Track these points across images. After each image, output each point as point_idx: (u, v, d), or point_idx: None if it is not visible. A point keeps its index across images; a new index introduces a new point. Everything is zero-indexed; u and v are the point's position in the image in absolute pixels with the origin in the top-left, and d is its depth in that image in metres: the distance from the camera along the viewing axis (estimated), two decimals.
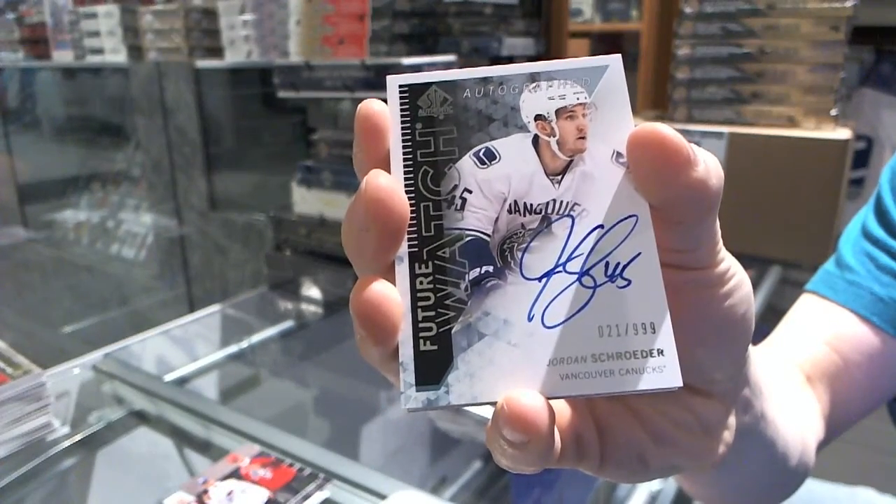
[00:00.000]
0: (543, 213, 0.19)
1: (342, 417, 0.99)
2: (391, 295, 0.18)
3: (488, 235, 0.19)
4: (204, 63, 1.63)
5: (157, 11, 1.71)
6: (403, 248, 0.19)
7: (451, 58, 1.16)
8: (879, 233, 0.44)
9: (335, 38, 1.18)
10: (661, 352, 0.18)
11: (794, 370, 0.42)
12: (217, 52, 1.59)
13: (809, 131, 1.06)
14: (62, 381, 0.84)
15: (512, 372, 0.18)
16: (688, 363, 0.23)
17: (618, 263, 0.18)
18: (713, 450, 0.25)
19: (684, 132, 1.10)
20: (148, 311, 2.03)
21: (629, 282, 0.18)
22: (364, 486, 0.63)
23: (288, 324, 1.15)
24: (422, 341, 0.18)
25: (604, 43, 2.31)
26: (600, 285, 0.18)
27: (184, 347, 1.06)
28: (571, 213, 0.19)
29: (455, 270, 0.19)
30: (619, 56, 0.20)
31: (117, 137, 2.14)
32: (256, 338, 1.10)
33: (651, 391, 0.18)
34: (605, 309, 0.18)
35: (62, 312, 2.31)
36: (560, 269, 0.19)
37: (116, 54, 1.82)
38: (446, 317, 0.18)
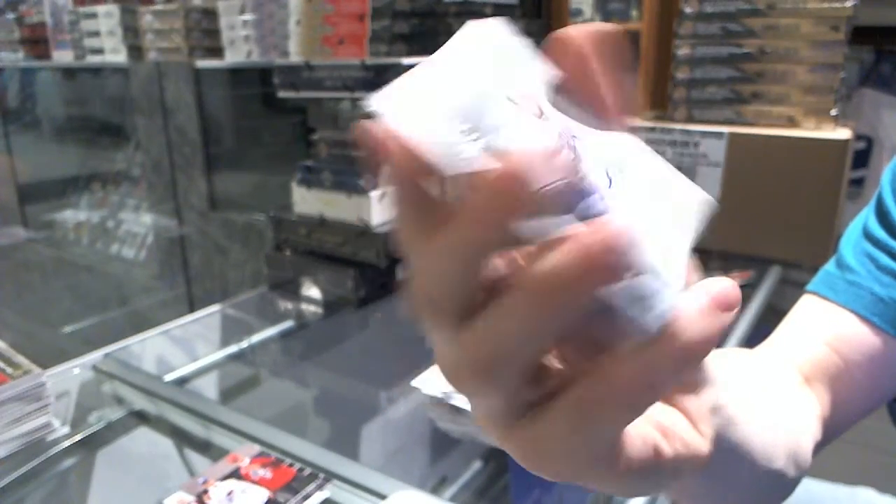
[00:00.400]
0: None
1: (342, 417, 0.99)
2: None
3: None
4: (204, 63, 1.63)
5: (157, 11, 1.71)
6: None
7: None
8: (880, 233, 0.44)
9: (335, 38, 1.18)
10: None
11: (792, 371, 0.42)
12: (217, 52, 1.59)
13: (809, 131, 1.06)
14: (62, 381, 0.84)
15: None
16: None
17: None
18: (703, 446, 0.24)
19: (684, 132, 1.10)
20: (148, 311, 2.03)
21: None
22: (364, 486, 0.63)
23: (288, 324, 1.15)
24: None
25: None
26: None
27: (184, 347, 1.06)
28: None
29: None
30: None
31: (117, 137, 2.14)
32: (256, 338, 1.10)
33: None
34: None
35: (62, 312, 2.31)
36: None
37: (116, 54, 1.82)
38: None
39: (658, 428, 0.23)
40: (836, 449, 0.46)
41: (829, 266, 0.46)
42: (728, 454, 0.29)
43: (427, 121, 0.17)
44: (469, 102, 0.17)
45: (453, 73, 0.18)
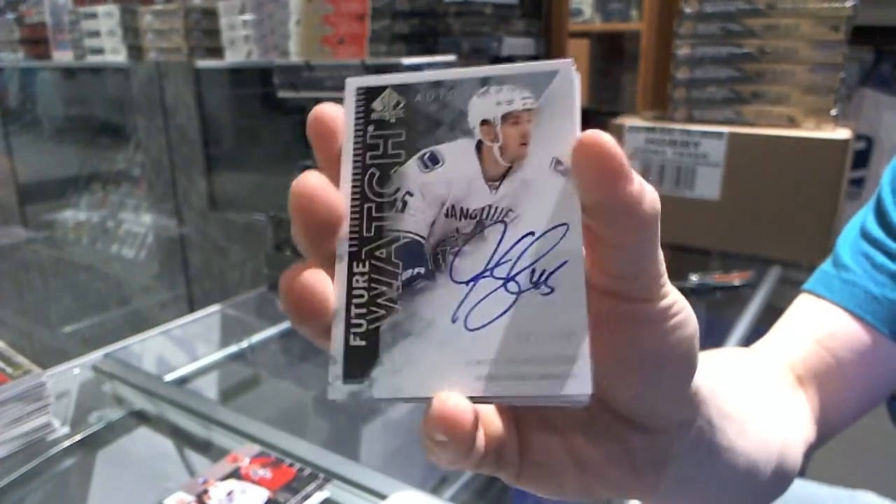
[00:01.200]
0: (478, 218, 0.19)
1: (342, 417, 0.99)
2: (317, 285, 0.19)
3: (424, 238, 0.19)
4: (204, 63, 1.63)
5: (157, 11, 1.71)
6: (344, 248, 0.20)
7: (451, 58, 1.16)
8: (878, 233, 0.44)
9: (335, 38, 1.18)
10: (573, 360, 0.18)
11: (785, 372, 0.42)
12: (217, 52, 1.59)
13: (809, 131, 1.06)
14: (62, 381, 0.84)
15: (432, 370, 0.19)
16: (624, 396, 0.22)
17: (544, 271, 0.19)
18: (639, 483, 0.24)
19: (684, 132, 1.10)
20: (148, 311, 2.03)
21: (552, 289, 0.19)
22: (364, 486, 0.62)
23: (288, 324, 1.15)
24: (352, 336, 0.19)
25: (604, 43, 2.30)
26: (524, 291, 0.19)
27: (184, 347, 1.06)
28: (505, 219, 0.19)
29: (389, 271, 0.19)
30: (570, 61, 0.20)
31: (117, 137, 2.14)
32: (256, 338, 1.10)
33: (561, 398, 0.18)
34: (525, 315, 0.19)
35: (62, 312, 2.31)
36: (488, 274, 0.19)
37: (116, 54, 1.82)
38: (377, 314, 0.19)
39: (576, 460, 0.23)
40: (837, 452, 0.46)
41: (826, 266, 0.46)
42: (714, 459, 0.28)
43: None
44: None
45: None
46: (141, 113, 1.82)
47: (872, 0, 1.15)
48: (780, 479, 0.35)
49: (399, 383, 0.19)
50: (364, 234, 0.20)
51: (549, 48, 1.51)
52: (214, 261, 1.76)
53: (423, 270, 0.19)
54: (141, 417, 0.82)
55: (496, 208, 0.19)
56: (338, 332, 0.19)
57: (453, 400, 0.18)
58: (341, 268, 0.20)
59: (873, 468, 0.90)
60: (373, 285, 0.19)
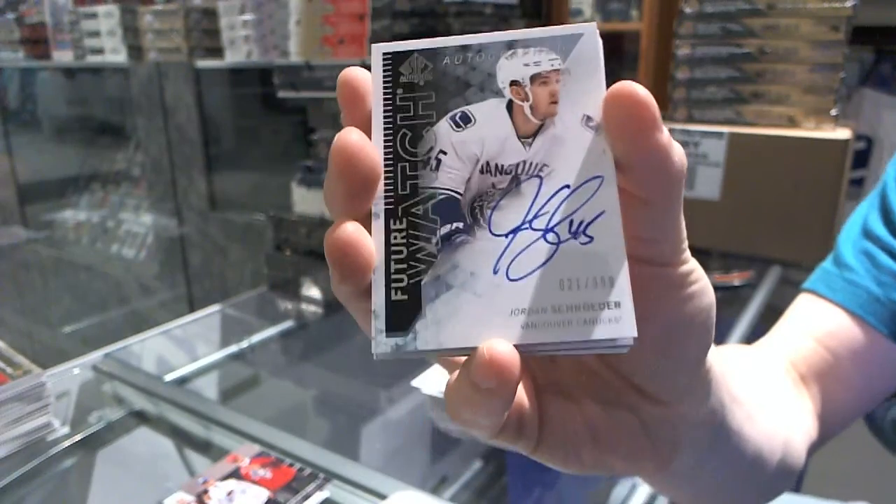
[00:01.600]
0: (514, 173, 0.20)
1: (342, 417, 0.99)
2: (361, 236, 0.19)
3: (460, 194, 0.20)
4: (204, 63, 1.63)
5: (157, 11, 1.71)
6: (380, 206, 0.20)
7: None
8: (881, 231, 0.44)
9: (335, 38, 1.18)
10: (617, 304, 0.19)
11: (788, 369, 0.42)
12: (217, 52, 1.59)
13: (809, 131, 1.06)
14: (62, 381, 0.84)
15: (476, 320, 0.19)
16: (641, 364, 0.22)
17: (581, 221, 0.19)
18: (653, 459, 0.25)
19: (684, 132, 1.10)
20: (148, 311, 2.03)
21: (591, 238, 0.19)
22: (364, 486, 0.63)
23: (288, 324, 1.15)
24: (394, 291, 0.19)
25: (604, 43, 2.30)
26: (564, 241, 0.19)
27: (184, 347, 1.06)
28: (540, 173, 0.20)
29: (427, 226, 0.20)
30: (594, 24, 0.21)
31: (117, 137, 2.14)
32: (256, 338, 1.10)
33: (606, 342, 0.18)
34: (566, 263, 0.19)
35: (62, 312, 2.31)
36: (526, 226, 0.19)
37: (116, 54, 1.82)
38: (417, 269, 0.19)
39: (592, 432, 0.23)
40: (835, 461, 0.45)
41: (827, 264, 0.46)
42: (723, 442, 0.29)
43: None
44: None
45: None
46: (141, 113, 1.82)
47: (872, 0, 1.15)
48: (784, 472, 0.35)
49: (443, 334, 0.19)
50: (399, 191, 0.20)
51: None
52: (214, 261, 1.77)
53: (461, 225, 0.20)
54: (141, 417, 0.82)
55: (531, 163, 0.20)
56: (378, 287, 0.19)
57: (501, 346, 0.18)
58: (378, 225, 0.20)
59: (867, 479, 0.90)
60: (411, 241, 0.20)
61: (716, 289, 0.22)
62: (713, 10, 1.11)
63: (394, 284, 0.19)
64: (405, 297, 0.19)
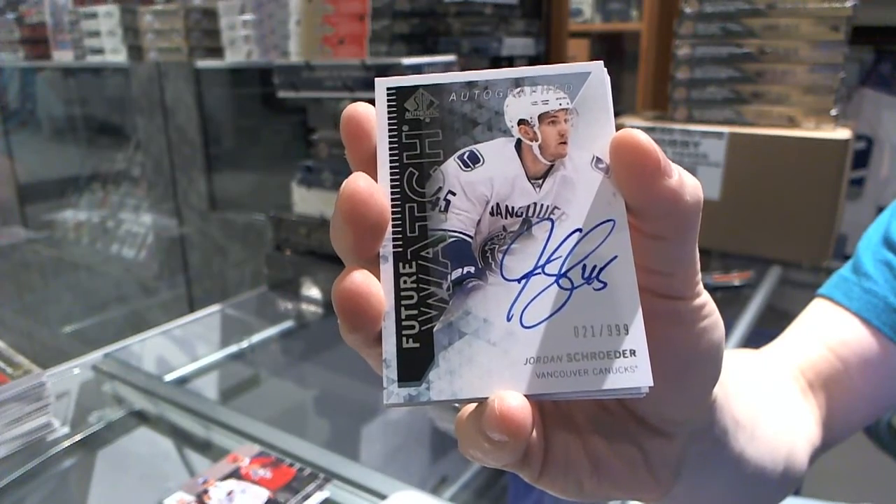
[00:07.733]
0: (524, 215, 0.20)
1: (342, 417, 0.99)
2: (371, 284, 0.18)
3: (470, 237, 0.20)
4: (204, 63, 1.63)
5: (157, 11, 1.71)
6: (388, 248, 0.19)
7: (451, 58, 1.16)
8: None
9: (335, 38, 1.18)
10: (633, 352, 0.18)
11: (796, 375, 0.42)
12: (217, 52, 1.59)
13: (809, 131, 1.06)
14: (62, 381, 0.84)
15: (491, 370, 0.19)
16: (647, 398, 0.22)
17: (594, 266, 0.19)
18: (652, 490, 0.24)
19: (684, 132, 1.09)
20: (148, 311, 2.03)
21: (605, 284, 0.19)
22: (364, 486, 0.63)
23: (288, 324, 1.15)
24: (405, 339, 0.19)
25: (604, 43, 2.30)
26: (577, 287, 0.19)
27: (184, 347, 1.06)
28: (551, 216, 0.19)
29: (438, 270, 0.19)
30: (601, 63, 0.20)
31: (117, 137, 2.14)
32: (256, 338, 1.10)
33: (623, 391, 0.18)
34: (581, 310, 0.19)
35: (62, 312, 2.31)
36: (539, 270, 0.19)
37: (116, 54, 1.82)
38: (429, 315, 0.19)
39: (594, 462, 0.23)
40: (837, 466, 0.45)
41: (845, 270, 0.45)
42: (725, 466, 0.28)
43: None
44: None
45: None
46: (141, 113, 1.82)
47: (872, 0, 1.15)
48: (785, 482, 0.35)
49: (458, 384, 0.18)
50: (408, 234, 0.20)
51: (549, 48, 1.51)
52: (214, 261, 1.76)
53: (472, 269, 0.19)
54: (141, 417, 0.82)
55: (541, 206, 0.20)
56: (389, 334, 0.19)
57: (513, 399, 0.18)
58: (387, 269, 0.19)
59: (872, 483, 0.90)
60: (422, 286, 0.19)
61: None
62: (713, 10, 1.11)
63: (405, 332, 0.19)
64: (417, 344, 0.19)
